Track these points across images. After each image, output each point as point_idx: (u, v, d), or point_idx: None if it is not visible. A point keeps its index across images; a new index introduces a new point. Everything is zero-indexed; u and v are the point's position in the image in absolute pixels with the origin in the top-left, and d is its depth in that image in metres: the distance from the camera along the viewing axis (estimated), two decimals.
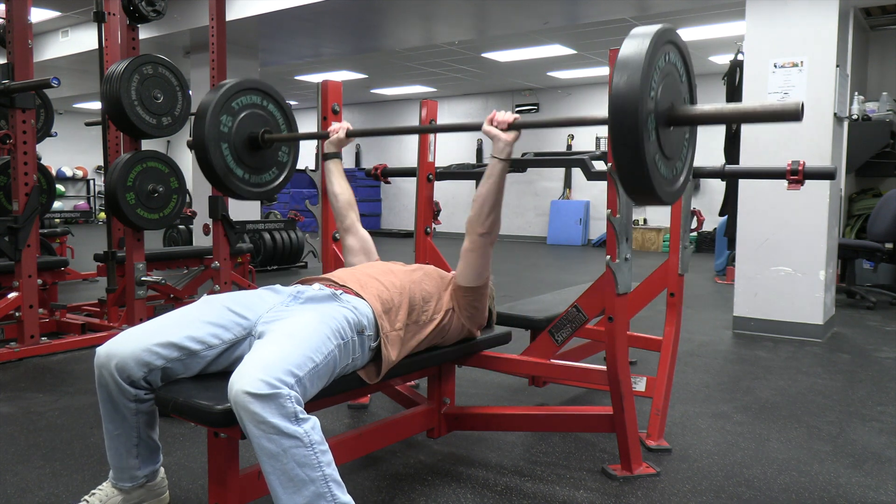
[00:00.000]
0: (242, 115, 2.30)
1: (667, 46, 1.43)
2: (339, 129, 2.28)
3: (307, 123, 14.22)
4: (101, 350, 1.57)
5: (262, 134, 2.32)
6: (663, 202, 1.48)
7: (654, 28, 1.39)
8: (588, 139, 10.96)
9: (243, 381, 1.32)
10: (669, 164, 1.48)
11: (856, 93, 5.57)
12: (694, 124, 1.56)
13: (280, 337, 1.48)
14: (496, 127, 1.84)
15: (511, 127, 1.84)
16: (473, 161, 11.44)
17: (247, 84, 2.37)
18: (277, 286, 1.81)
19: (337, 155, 2.32)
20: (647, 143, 1.34)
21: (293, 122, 2.54)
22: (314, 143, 2.58)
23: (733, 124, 5.34)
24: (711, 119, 1.50)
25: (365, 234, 2.28)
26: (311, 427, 1.36)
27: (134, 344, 1.53)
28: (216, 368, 1.62)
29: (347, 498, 1.40)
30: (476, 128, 1.92)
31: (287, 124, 2.51)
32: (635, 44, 1.36)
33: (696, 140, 1.67)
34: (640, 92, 1.31)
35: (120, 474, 1.68)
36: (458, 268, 1.97)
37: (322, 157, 2.34)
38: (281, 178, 2.51)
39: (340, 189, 2.29)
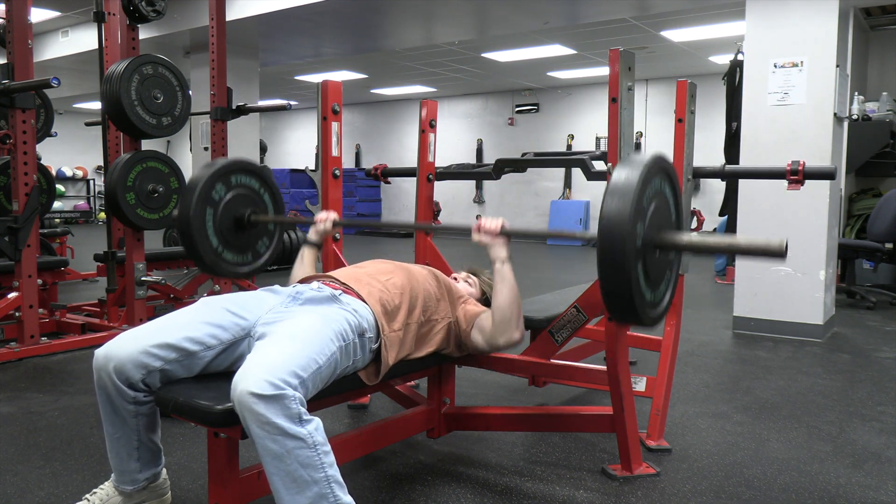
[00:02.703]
0: (229, 196, 2.24)
1: (658, 175, 1.45)
2: (325, 218, 2.21)
3: (307, 123, 14.23)
4: (100, 352, 1.57)
5: (248, 215, 2.29)
6: (645, 325, 1.50)
7: (647, 158, 1.40)
8: (588, 139, 10.96)
9: (248, 381, 1.32)
10: (654, 288, 1.50)
11: (856, 93, 5.57)
12: (679, 251, 1.58)
13: (283, 338, 1.48)
14: (486, 234, 1.87)
15: (501, 232, 1.87)
16: (473, 161, 11.44)
17: (234, 166, 2.27)
18: (276, 287, 1.81)
19: (318, 245, 2.25)
20: (633, 270, 1.36)
21: (280, 201, 2.44)
22: (315, 140, 2.57)
23: (733, 124, 5.34)
24: (696, 249, 1.51)
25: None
26: (315, 428, 1.36)
27: (131, 346, 1.53)
28: (216, 369, 1.62)
29: (349, 499, 1.40)
30: (467, 234, 1.93)
31: (274, 203, 2.40)
32: (627, 173, 1.37)
33: (680, 264, 1.69)
34: (630, 223, 1.33)
35: (121, 477, 1.68)
36: (479, 343, 1.96)
37: (303, 241, 2.28)
38: (264, 258, 2.42)
39: (302, 275, 2.15)
